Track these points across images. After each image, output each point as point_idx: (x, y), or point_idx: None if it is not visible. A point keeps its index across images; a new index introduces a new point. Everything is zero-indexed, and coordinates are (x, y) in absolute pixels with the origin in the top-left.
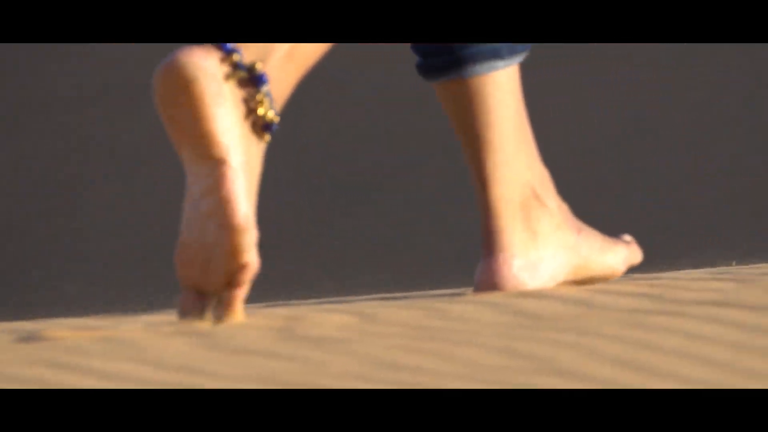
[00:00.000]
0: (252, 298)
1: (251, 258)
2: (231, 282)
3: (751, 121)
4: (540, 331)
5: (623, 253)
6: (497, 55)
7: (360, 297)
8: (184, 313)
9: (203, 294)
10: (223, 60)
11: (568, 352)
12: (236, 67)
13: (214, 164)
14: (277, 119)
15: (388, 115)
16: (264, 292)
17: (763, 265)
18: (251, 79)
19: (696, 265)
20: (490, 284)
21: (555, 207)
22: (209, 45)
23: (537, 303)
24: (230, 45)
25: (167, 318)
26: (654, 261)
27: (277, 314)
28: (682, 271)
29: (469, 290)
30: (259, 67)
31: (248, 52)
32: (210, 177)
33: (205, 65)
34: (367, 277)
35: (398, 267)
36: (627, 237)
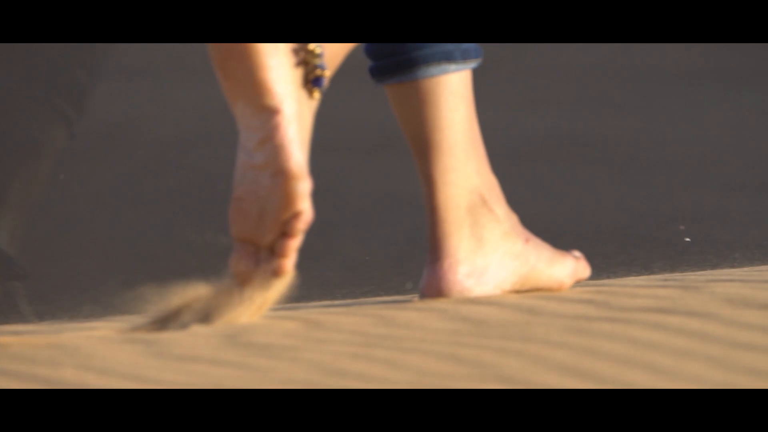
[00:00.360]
0: None
1: (305, 206)
2: (285, 231)
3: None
4: (486, 338)
5: (571, 266)
6: (450, 58)
7: (305, 304)
8: (237, 270)
9: (257, 248)
10: None
11: (514, 359)
12: None
13: (268, 114)
14: (327, 74)
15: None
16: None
17: (708, 272)
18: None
19: (638, 272)
20: (436, 291)
21: (503, 214)
22: None
23: (483, 310)
24: None
25: (113, 324)
26: (605, 267)
27: (221, 321)
28: (628, 278)
29: (415, 297)
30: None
31: None
32: (264, 127)
33: None
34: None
35: (343, 272)
36: (576, 252)
